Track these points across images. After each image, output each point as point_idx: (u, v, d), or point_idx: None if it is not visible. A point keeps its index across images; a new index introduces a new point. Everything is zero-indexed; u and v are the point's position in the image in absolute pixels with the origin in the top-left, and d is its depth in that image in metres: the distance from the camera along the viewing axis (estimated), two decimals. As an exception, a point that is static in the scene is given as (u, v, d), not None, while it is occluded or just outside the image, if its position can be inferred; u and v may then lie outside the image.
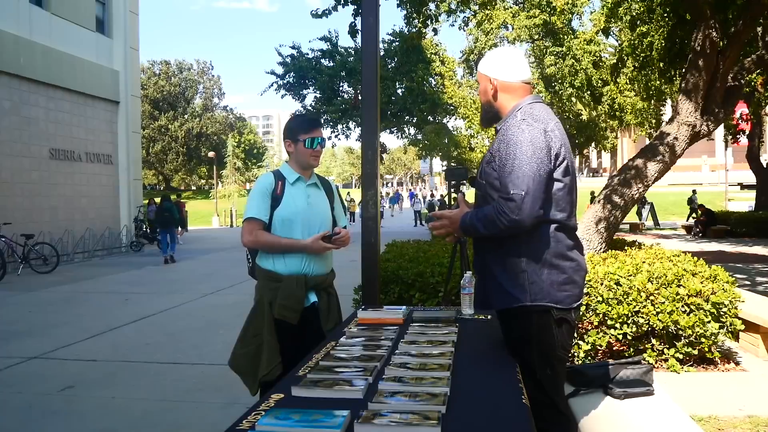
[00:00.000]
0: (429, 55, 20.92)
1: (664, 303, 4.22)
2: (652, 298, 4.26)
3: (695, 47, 5.93)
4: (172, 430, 3.64)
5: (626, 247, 6.11)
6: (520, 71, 2.16)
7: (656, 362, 4.31)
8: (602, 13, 13.77)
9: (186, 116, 55.78)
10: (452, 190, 3.34)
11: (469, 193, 2.49)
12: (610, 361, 3.38)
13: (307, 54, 20.98)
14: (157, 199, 16.63)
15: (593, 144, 21.92)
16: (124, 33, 17.45)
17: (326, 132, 20.65)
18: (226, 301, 8.23)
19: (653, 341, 4.35)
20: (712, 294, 4.31)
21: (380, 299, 4.02)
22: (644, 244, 6.45)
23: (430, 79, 21.02)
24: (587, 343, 4.27)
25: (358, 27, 6.63)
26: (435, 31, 10.51)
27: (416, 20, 8.44)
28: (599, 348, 4.30)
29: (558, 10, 15.59)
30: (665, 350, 4.33)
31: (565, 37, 16.26)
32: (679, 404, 3.01)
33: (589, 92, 16.79)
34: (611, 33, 14.52)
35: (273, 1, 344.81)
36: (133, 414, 3.90)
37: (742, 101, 12.91)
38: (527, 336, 2.04)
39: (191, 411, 3.94)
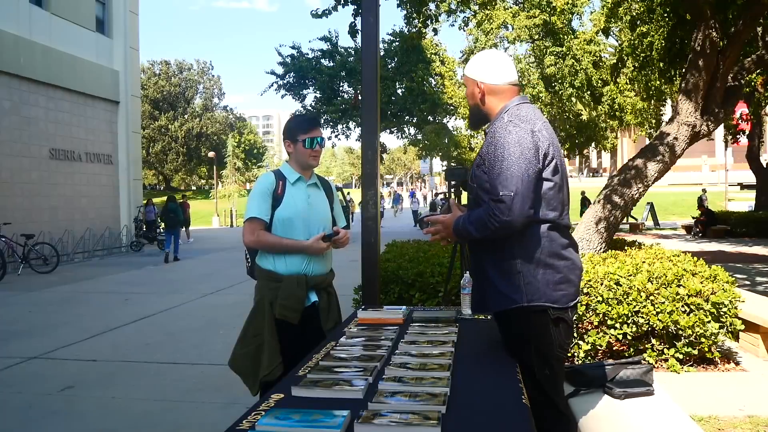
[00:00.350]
0: (429, 55, 20.92)
1: (664, 303, 4.22)
2: (652, 298, 4.26)
3: (695, 47, 5.93)
4: (172, 430, 3.64)
5: (626, 247, 6.11)
6: (506, 74, 2.17)
7: (656, 362, 4.31)
8: (602, 13, 13.79)
9: (186, 116, 55.77)
10: (452, 190, 3.34)
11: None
12: (610, 361, 3.38)
13: (307, 54, 20.99)
14: (156, 200, 16.76)
15: (593, 144, 21.90)
16: (124, 33, 17.45)
17: (326, 132, 20.67)
18: (226, 301, 8.23)
19: (653, 341, 4.35)
20: (712, 294, 4.31)
21: (380, 299, 4.02)
22: (644, 244, 6.45)
23: (430, 79, 21.02)
24: (587, 343, 4.27)
25: (358, 27, 6.63)
26: (435, 31, 10.52)
27: (416, 20, 8.44)
28: (599, 348, 4.30)
29: (558, 10, 15.60)
30: (665, 350, 4.33)
31: (565, 37, 16.27)
32: (679, 404, 3.00)
33: (589, 92, 16.79)
34: (611, 33, 14.53)
35: (273, 1, 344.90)
36: (133, 414, 3.90)
37: (742, 101, 12.93)
38: (525, 336, 2.05)
39: (191, 411, 3.94)
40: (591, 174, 65.98)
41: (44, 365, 5.16)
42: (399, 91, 21.05)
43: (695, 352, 4.31)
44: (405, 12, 8.36)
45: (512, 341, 2.10)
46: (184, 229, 17.87)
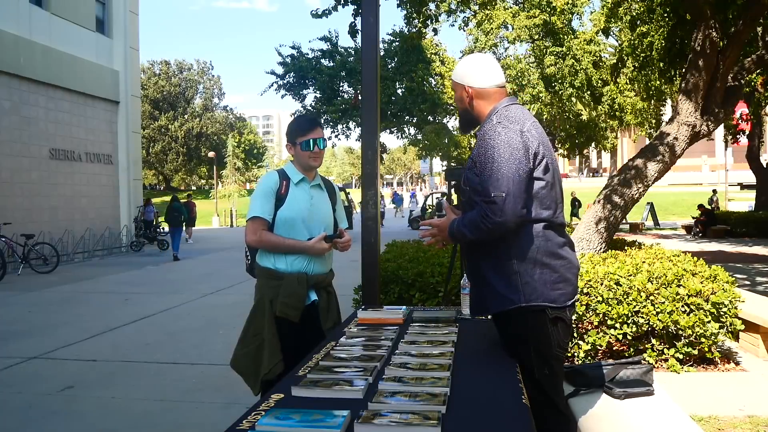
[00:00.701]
0: (429, 55, 20.92)
1: (664, 303, 4.22)
2: (652, 298, 4.26)
3: (695, 47, 5.93)
4: (172, 430, 3.64)
5: (626, 247, 6.11)
6: (494, 76, 2.18)
7: (656, 362, 4.31)
8: (602, 13, 13.80)
9: (186, 116, 55.75)
10: (452, 190, 3.35)
11: None
12: (610, 361, 3.38)
13: (307, 54, 21.00)
14: (156, 200, 16.88)
15: (593, 144, 21.92)
16: (124, 33, 17.45)
17: (326, 132, 20.65)
18: (226, 301, 8.23)
19: (653, 341, 4.35)
20: (712, 294, 4.31)
21: (380, 299, 4.02)
22: (644, 244, 6.45)
23: (430, 79, 21.03)
24: (587, 343, 4.27)
25: (358, 27, 6.63)
26: (435, 31, 10.53)
27: (416, 20, 8.45)
28: (599, 348, 4.30)
29: (558, 10, 15.61)
30: (665, 350, 4.33)
31: (565, 37, 16.27)
32: (679, 404, 3.00)
33: (589, 92, 16.79)
34: (611, 33, 14.54)
35: (273, 1, 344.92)
36: (133, 414, 3.90)
37: (742, 101, 12.93)
38: (523, 336, 2.05)
39: (191, 411, 3.94)
40: (591, 174, 65.99)
41: (44, 365, 5.15)
42: (399, 91, 21.05)
43: (695, 352, 4.31)
44: (405, 12, 8.37)
45: (511, 341, 2.10)
46: (185, 228, 18.11)
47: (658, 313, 4.21)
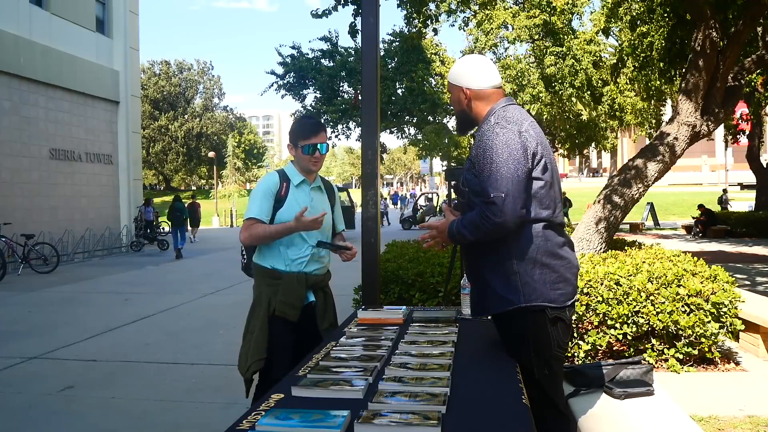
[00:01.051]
0: (429, 55, 20.93)
1: (664, 303, 4.22)
2: (652, 298, 4.26)
3: (695, 47, 5.93)
4: (172, 430, 3.64)
5: (626, 247, 6.11)
6: (490, 77, 2.18)
7: (656, 362, 4.31)
8: (602, 13, 13.79)
9: (186, 116, 55.79)
10: (452, 190, 3.35)
11: None
12: (610, 361, 3.38)
13: (307, 54, 21.01)
14: (157, 200, 17.08)
15: (593, 144, 21.92)
16: (124, 33, 17.45)
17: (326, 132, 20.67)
18: (226, 301, 8.23)
19: (653, 341, 4.35)
20: (712, 294, 4.31)
21: (380, 299, 4.02)
22: (644, 244, 6.45)
23: (430, 79, 21.03)
24: (587, 343, 4.27)
25: (358, 27, 6.63)
26: (435, 31, 10.54)
27: (416, 20, 8.45)
28: (599, 348, 4.30)
29: (558, 10, 15.60)
30: (665, 350, 4.33)
31: (565, 37, 16.26)
32: (679, 404, 3.00)
33: (589, 92, 16.78)
34: (611, 33, 14.53)
35: (273, 1, 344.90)
36: (133, 414, 3.90)
37: (742, 101, 12.94)
38: (523, 337, 2.05)
39: (191, 411, 3.94)
40: (591, 174, 66.00)
41: (44, 365, 5.15)
42: (399, 91, 21.06)
43: (695, 352, 4.31)
44: (405, 12, 8.37)
45: (511, 342, 2.10)
46: (190, 228, 18.83)
47: (658, 313, 4.20)
